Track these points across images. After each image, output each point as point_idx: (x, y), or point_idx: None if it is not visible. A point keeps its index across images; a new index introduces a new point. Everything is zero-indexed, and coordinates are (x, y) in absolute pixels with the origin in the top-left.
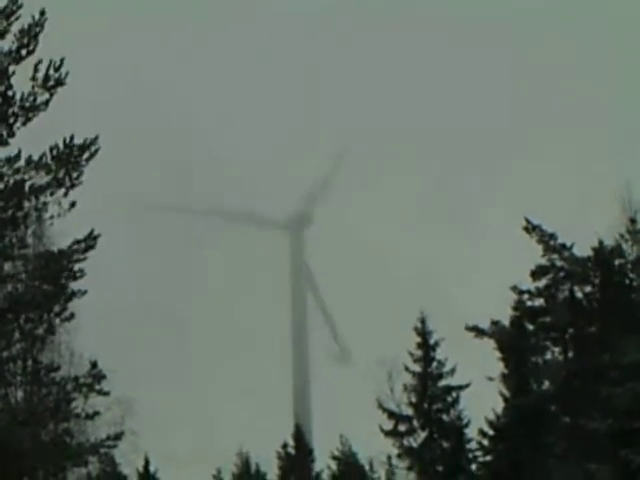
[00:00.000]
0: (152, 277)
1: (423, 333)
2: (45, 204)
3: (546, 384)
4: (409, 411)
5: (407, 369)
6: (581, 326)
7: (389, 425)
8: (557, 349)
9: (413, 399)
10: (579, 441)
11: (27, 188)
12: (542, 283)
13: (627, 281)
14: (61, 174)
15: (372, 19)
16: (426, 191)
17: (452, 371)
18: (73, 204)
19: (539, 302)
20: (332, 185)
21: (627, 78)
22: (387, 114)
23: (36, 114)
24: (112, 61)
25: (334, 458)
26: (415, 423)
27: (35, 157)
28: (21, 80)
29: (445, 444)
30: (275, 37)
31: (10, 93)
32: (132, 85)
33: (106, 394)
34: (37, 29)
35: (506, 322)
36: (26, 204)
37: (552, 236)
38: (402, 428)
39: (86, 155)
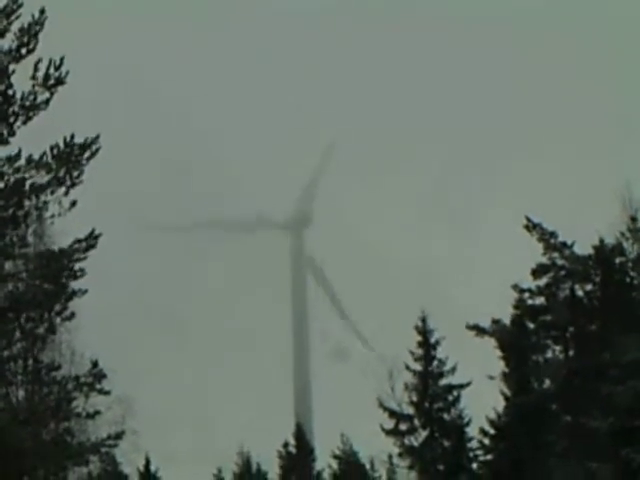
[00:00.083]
0: (153, 277)
1: (424, 332)
2: (46, 203)
3: (547, 383)
4: (410, 410)
5: (408, 368)
6: (582, 324)
7: (390, 424)
8: (558, 347)
9: (414, 398)
10: (580, 440)
11: (28, 187)
12: (543, 281)
13: (628, 279)
14: (62, 173)
15: (372, 19)
16: (426, 191)
17: (453, 370)
18: (74, 203)
19: (540, 301)
20: (323, 179)
21: (627, 78)
22: (387, 114)
23: (36, 113)
24: (112, 61)
25: (335, 457)
26: (416, 422)
27: (36, 156)
28: (21, 79)
29: (446, 443)
30: (275, 37)
31: (10, 92)
32: (132, 85)
33: (107, 393)
34: (37, 28)
35: (507, 321)
36: (27, 203)
37: (553, 234)
38: (403, 427)
39: (87, 154)
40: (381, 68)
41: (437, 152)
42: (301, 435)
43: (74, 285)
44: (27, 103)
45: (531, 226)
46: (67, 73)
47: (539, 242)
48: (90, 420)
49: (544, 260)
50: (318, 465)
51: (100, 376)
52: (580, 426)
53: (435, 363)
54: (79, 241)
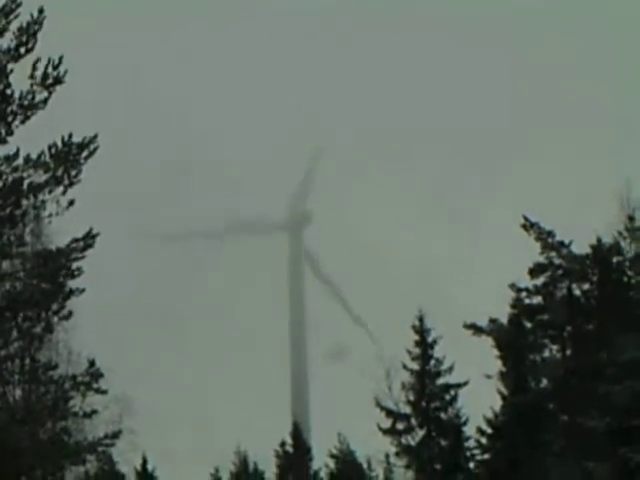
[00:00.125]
0: (151, 276)
1: (421, 331)
2: (43, 202)
3: (544, 382)
4: (407, 409)
5: (405, 367)
6: (579, 324)
7: (387, 423)
8: (555, 347)
9: (411, 397)
10: (577, 439)
11: (25, 186)
12: (540, 281)
13: (625, 279)
14: (60, 172)
15: (372, 19)
16: (426, 191)
17: (450, 369)
18: (71, 202)
19: (537, 300)
20: (315, 179)
21: (627, 78)
22: (387, 114)
23: (35, 112)
24: (111, 61)
25: (332, 456)
26: (413, 421)
27: (34, 155)
28: (20, 78)
29: (443, 442)
30: (275, 37)
31: (9, 91)
32: (131, 85)
33: (104, 392)
34: (36, 27)
35: (504, 320)
36: (24, 202)
37: (550, 234)
38: (400, 426)
39: (85, 153)
40: (381, 68)
41: (437, 152)
42: (298, 434)
43: (71, 284)
44: (25, 102)
45: (528, 225)
46: (65, 72)
47: (536, 241)
48: (87, 419)
49: (541, 259)
50: (315, 464)
51: (97, 375)
52: (577, 425)
53: (432, 362)
54: (77, 240)
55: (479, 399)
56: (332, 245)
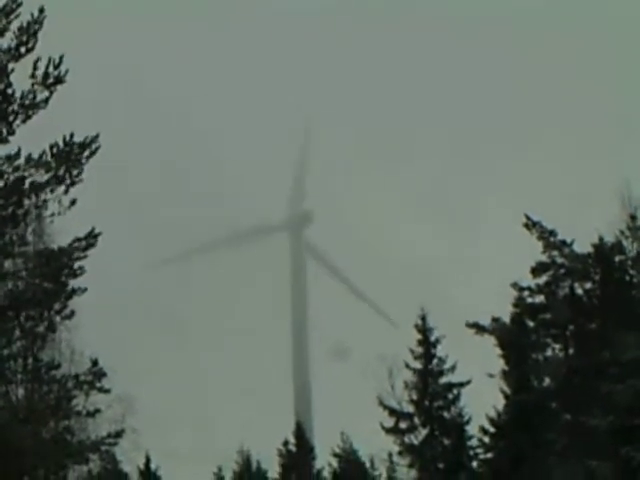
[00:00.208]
0: (153, 275)
1: (424, 330)
2: (45, 202)
3: (547, 381)
4: (410, 408)
5: (408, 366)
6: (581, 323)
7: (390, 422)
8: (557, 346)
9: (414, 396)
10: (580, 438)
11: (27, 185)
12: (542, 280)
13: (627, 278)
14: (61, 172)
15: (372, 19)
16: (426, 190)
17: (453, 368)
18: (73, 202)
19: (539, 299)
20: (310, 167)
21: (627, 78)
22: (387, 114)
23: (36, 112)
24: (112, 61)
25: (335, 455)
26: (416, 420)
27: (35, 155)
28: (21, 78)
29: (446, 441)
30: (275, 37)
31: (10, 91)
32: (131, 85)
33: (107, 392)
34: (36, 27)
35: (507, 319)
36: (26, 202)
37: (552, 233)
38: (403, 425)
39: (86, 153)
40: (381, 68)
41: (437, 151)
42: (301, 433)
43: (74, 283)
44: (26, 102)
45: (530, 224)
46: (66, 72)
47: (539, 240)
48: (90, 418)
49: (544, 258)
50: (318, 463)
51: (100, 375)
52: (580, 424)
53: (435, 361)
54: (79, 240)
55: (482, 398)
56: (332, 245)
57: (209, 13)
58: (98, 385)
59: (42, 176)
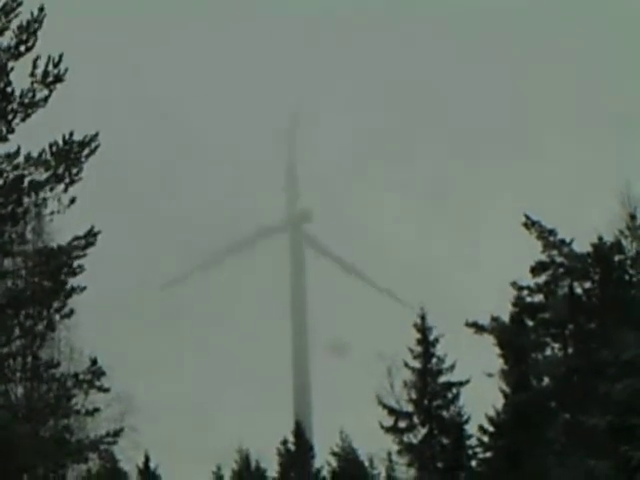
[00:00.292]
0: (152, 274)
1: (423, 329)
2: (44, 200)
3: (546, 380)
4: (409, 407)
5: (407, 365)
6: (581, 322)
7: (389, 421)
8: (557, 345)
9: (413, 395)
10: (579, 437)
11: (26, 184)
12: (542, 279)
13: (627, 277)
14: (61, 170)
15: (372, 19)
16: (426, 190)
17: (452, 367)
18: (73, 200)
19: (539, 298)
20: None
21: (627, 78)
22: (387, 114)
23: (35, 110)
24: (112, 60)
25: (334, 454)
26: (415, 419)
27: (34, 153)
28: (20, 76)
29: (445, 440)
30: (275, 37)
31: (9, 89)
32: (131, 84)
33: (106, 391)
34: (36, 25)
35: (506, 318)
36: (26, 200)
37: (552, 232)
38: (402, 424)
39: (86, 151)
40: (381, 68)
41: (437, 152)
42: (300, 432)
43: (73, 282)
44: (26, 100)
45: (530, 224)
46: (66, 70)
47: (538, 240)
48: (89, 417)
49: (543, 257)
50: (317, 462)
51: (99, 373)
52: (579, 423)
53: (434, 360)
54: (78, 238)
55: (481, 397)
56: (333, 245)
57: (209, 13)
58: (97, 384)
59: (41, 174)
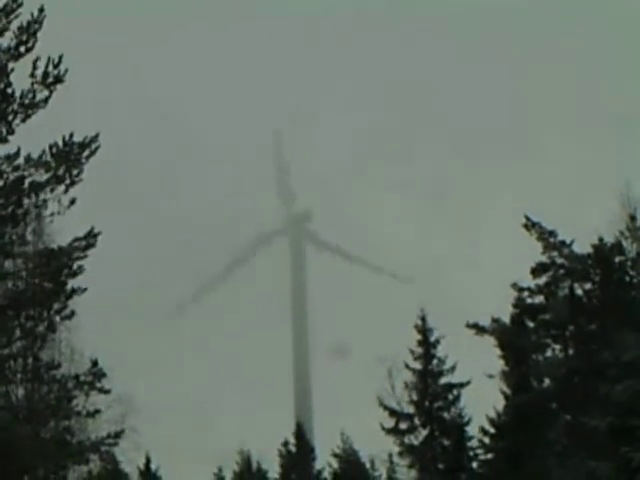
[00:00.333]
0: (153, 274)
1: (423, 331)
2: (45, 201)
3: (546, 381)
4: (410, 409)
5: (407, 367)
6: (581, 323)
7: (390, 423)
8: (557, 346)
9: (414, 397)
10: (579, 438)
11: (27, 185)
12: (542, 280)
13: (627, 278)
14: (61, 171)
15: (372, 19)
16: (426, 190)
17: (453, 369)
18: (73, 201)
19: (539, 299)
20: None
21: (627, 78)
22: (387, 114)
23: (35, 111)
24: (112, 60)
25: (335, 456)
26: (416, 421)
27: (35, 154)
28: (20, 77)
29: (446, 442)
30: (275, 38)
31: (9, 90)
32: (131, 84)
33: (107, 392)
34: (36, 26)
35: (506, 319)
36: (26, 201)
37: (552, 233)
38: (403, 426)
39: (86, 153)
40: (380, 68)
41: (437, 152)
42: (301, 434)
43: (73, 283)
44: (26, 101)
45: (530, 225)
46: (66, 71)
47: (538, 241)
48: (90, 419)
49: (543, 259)
50: (318, 464)
51: (100, 375)
52: (580, 425)
53: (435, 362)
54: (78, 239)
55: (482, 399)
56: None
57: (209, 13)
58: (98, 385)
59: (42, 176)
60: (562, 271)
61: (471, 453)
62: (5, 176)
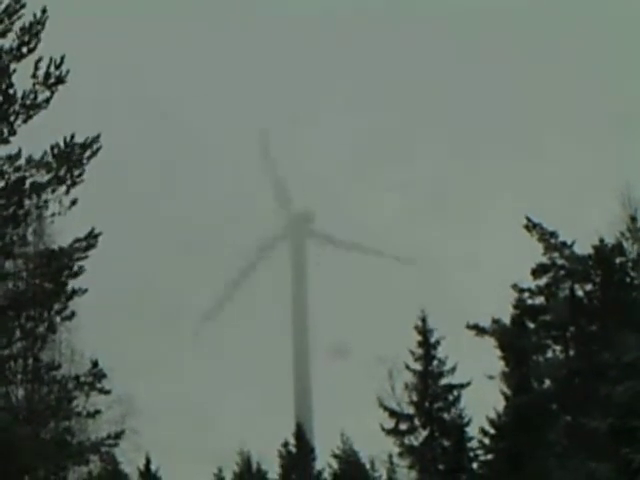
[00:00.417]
0: (153, 274)
1: (424, 331)
2: (46, 202)
3: (547, 382)
4: (410, 410)
5: (408, 367)
6: (582, 324)
7: (390, 424)
8: (558, 347)
9: (414, 398)
10: (580, 440)
11: (28, 186)
12: (543, 281)
13: (628, 279)
14: (62, 172)
15: (372, 19)
16: (426, 190)
17: (453, 369)
18: (74, 202)
19: (540, 300)
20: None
21: (627, 78)
22: (388, 114)
23: (37, 112)
24: (112, 61)
25: (335, 457)
26: (416, 422)
27: (36, 155)
28: (22, 78)
29: (446, 443)
30: (275, 38)
31: (11, 91)
32: (131, 84)
33: (107, 393)
34: (38, 27)
35: (507, 320)
36: (27, 202)
37: (553, 234)
38: (403, 427)
39: (87, 153)
40: (380, 68)
41: (437, 152)
42: (301, 434)
43: (74, 284)
44: (27, 102)
45: (531, 226)
46: (67, 72)
47: (539, 242)
48: (90, 419)
49: (544, 260)
50: (318, 465)
51: (100, 376)
52: (580, 426)
53: (435, 363)
54: (79, 240)
55: (482, 400)
56: (332, 244)
57: (209, 13)
58: (98, 386)
59: (43, 176)
60: (563, 272)
61: (471, 454)
62: (6, 177)
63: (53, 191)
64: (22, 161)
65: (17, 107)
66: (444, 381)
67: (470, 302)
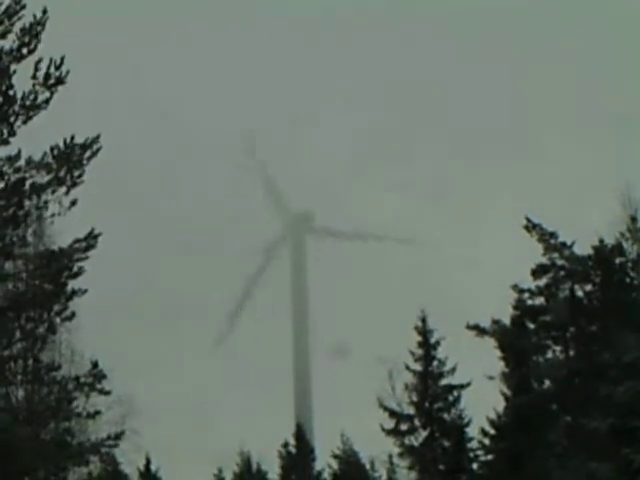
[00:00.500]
0: (153, 275)
1: (424, 332)
2: (46, 203)
3: (547, 383)
4: (410, 410)
5: (408, 368)
6: (582, 325)
7: (390, 424)
8: (558, 348)
9: (414, 398)
10: (580, 440)
11: (28, 187)
12: (543, 282)
13: (628, 280)
14: (62, 173)
15: (372, 19)
16: (426, 190)
17: (453, 370)
18: (74, 203)
19: (540, 301)
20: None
21: (627, 78)
22: (387, 114)
23: (37, 112)
24: (112, 61)
25: (335, 457)
26: (416, 422)
27: (36, 156)
28: (22, 79)
29: (446, 443)
30: (275, 38)
31: (11, 92)
32: (131, 84)
33: (107, 393)
34: (38, 28)
35: (507, 321)
36: (27, 203)
37: (552, 235)
38: (403, 427)
39: (87, 154)
40: (380, 68)
41: (437, 152)
42: (301, 435)
43: (74, 285)
44: (27, 103)
45: (531, 226)
46: (67, 73)
47: (539, 242)
48: (90, 420)
49: (544, 260)
50: (318, 465)
51: (100, 376)
52: (580, 426)
53: (435, 363)
54: (79, 240)
55: (482, 400)
56: (332, 244)
57: (209, 13)
58: (98, 387)
59: (43, 177)
60: (563, 272)
61: (471, 454)
62: (6, 178)
63: (53, 192)
64: (22, 162)
65: (17, 108)
66: (444, 381)
67: (470, 302)
